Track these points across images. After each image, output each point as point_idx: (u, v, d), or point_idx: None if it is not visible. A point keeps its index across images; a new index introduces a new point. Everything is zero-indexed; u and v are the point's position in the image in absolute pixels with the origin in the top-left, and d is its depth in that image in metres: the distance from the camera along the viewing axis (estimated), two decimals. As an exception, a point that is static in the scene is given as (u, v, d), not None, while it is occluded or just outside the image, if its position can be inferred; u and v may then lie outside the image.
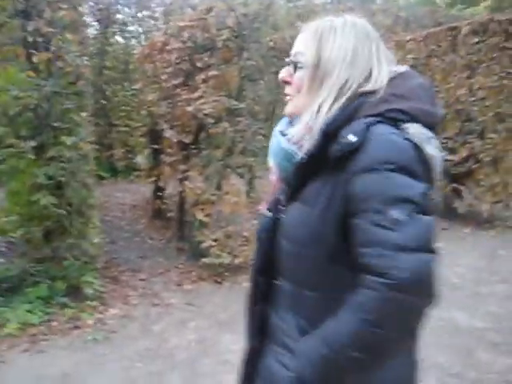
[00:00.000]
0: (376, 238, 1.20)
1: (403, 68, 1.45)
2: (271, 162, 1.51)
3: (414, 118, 1.31)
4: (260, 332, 1.57)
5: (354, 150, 1.25)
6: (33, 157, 4.60)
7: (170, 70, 6.11)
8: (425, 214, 1.22)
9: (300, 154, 1.37)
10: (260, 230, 1.56)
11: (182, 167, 5.80)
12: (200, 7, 6.40)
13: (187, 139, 5.79)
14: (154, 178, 7.15)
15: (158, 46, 6.48)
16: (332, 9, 12.14)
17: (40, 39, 4.52)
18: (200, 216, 5.06)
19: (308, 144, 1.34)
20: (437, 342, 4.02)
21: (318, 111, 1.35)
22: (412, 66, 6.94)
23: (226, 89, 5.21)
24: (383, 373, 1.32)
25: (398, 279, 1.15)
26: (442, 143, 7.38)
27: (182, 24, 5.77)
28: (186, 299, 4.86)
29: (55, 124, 4.67)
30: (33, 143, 4.55)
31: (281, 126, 1.51)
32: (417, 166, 1.26)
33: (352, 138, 1.25)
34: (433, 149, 1.31)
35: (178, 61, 5.91)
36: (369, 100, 1.34)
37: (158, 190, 7.39)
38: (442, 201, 8.00)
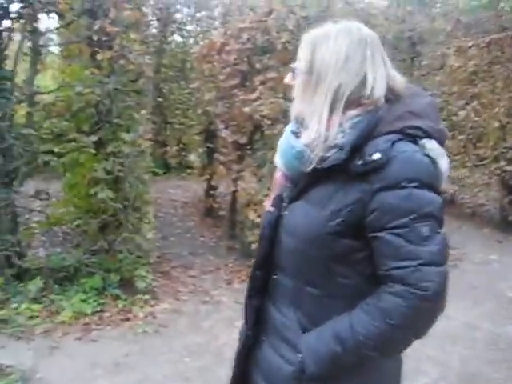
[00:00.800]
0: (405, 252, 1.30)
1: (408, 85, 1.51)
2: (279, 159, 1.56)
3: (428, 135, 1.39)
4: (256, 324, 1.63)
5: (379, 166, 1.33)
6: (93, 151, 4.72)
7: (227, 70, 6.17)
8: (442, 226, 1.35)
9: (312, 157, 1.41)
10: (263, 226, 1.60)
11: (236, 167, 5.84)
12: (259, 9, 6.42)
13: (242, 139, 5.83)
14: (206, 177, 7.22)
15: (216, 46, 6.54)
16: (390, 12, 11.96)
17: (104, 38, 4.64)
18: (252, 216, 5.09)
19: (324, 152, 1.39)
20: (491, 356, 3.94)
21: (320, 121, 1.41)
22: (473, 73, 6.81)
23: (284, 91, 5.22)
24: (380, 367, 1.46)
25: (428, 290, 1.28)
26: (503, 153, 7.21)
27: (241, 25, 5.82)
28: (235, 298, 4.90)
29: (115, 120, 4.79)
30: (93, 138, 4.67)
31: (291, 125, 1.56)
32: (436, 180, 1.37)
33: (378, 155, 1.32)
34: (445, 164, 1.41)
35: (236, 62, 5.96)
36: (386, 115, 1.40)
37: (211, 188, 7.46)
38: (498, 212, 7.79)
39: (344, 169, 1.37)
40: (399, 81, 1.49)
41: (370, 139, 1.36)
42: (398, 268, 1.31)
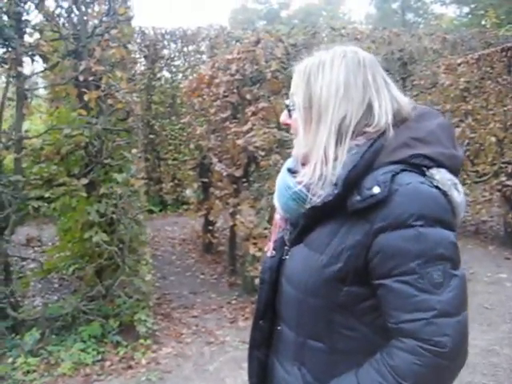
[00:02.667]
0: (416, 302, 1.15)
1: (418, 106, 1.36)
2: (276, 201, 1.43)
3: (438, 163, 1.23)
4: (261, 378, 1.51)
5: (379, 202, 1.17)
6: (84, 194, 4.60)
7: (218, 103, 6.11)
8: (458, 267, 1.19)
9: (310, 197, 1.29)
10: (263, 271, 1.48)
11: (233, 201, 5.73)
12: (246, 40, 6.38)
13: (237, 172, 5.73)
14: (203, 212, 7.10)
15: (205, 79, 6.50)
16: (376, 35, 12.04)
17: (91, 78, 4.55)
18: (253, 250, 4.94)
19: (322, 191, 1.26)
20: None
21: (326, 154, 1.28)
22: (465, 90, 6.77)
23: (276, 120, 5.13)
24: None
25: (443, 346, 1.12)
26: (502, 168, 7.12)
27: (229, 57, 5.76)
28: (241, 337, 4.72)
29: (106, 161, 4.69)
30: (84, 181, 4.55)
31: (289, 163, 1.44)
32: (448, 214, 1.20)
33: (376, 190, 1.18)
34: (459, 196, 1.24)
35: (226, 94, 5.90)
36: (387, 144, 1.25)
37: (208, 223, 7.32)
38: (503, 228, 7.66)
39: (342, 207, 1.23)
40: (404, 102, 1.34)
41: (370, 172, 1.23)
42: (409, 321, 1.15)
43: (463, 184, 7.51)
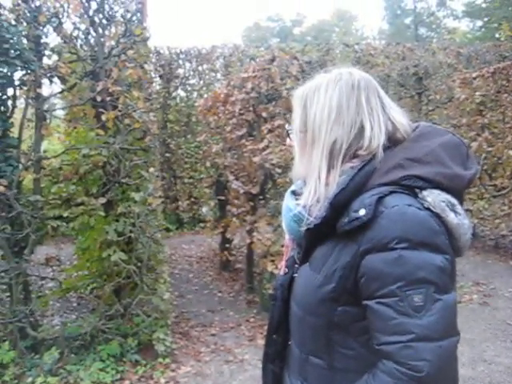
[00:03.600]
0: (394, 324, 1.15)
1: (421, 124, 1.36)
2: (283, 222, 1.48)
3: (433, 184, 1.22)
4: None
5: (365, 223, 1.18)
6: (103, 213, 4.63)
7: (233, 121, 6.14)
8: (444, 291, 1.16)
9: (309, 219, 1.33)
10: (275, 288, 1.52)
11: (250, 218, 5.72)
12: (261, 58, 6.43)
13: (254, 190, 5.73)
14: (220, 230, 7.09)
15: (221, 97, 6.54)
16: (390, 50, 12.06)
17: (108, 98, 4.60)
18: (270, 268, 4.92)
19: (317, 212, 1.30)
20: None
21: (320, 177, 1.32)
22: (481, 103, 6.75)
23: (292, 137, 5.14)
24: None
25: (419, 371, 1.11)
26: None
27: (245, 75, 5.80)
28: (259, 355, 4.63)
29: (124, 180, 4.72)
30: (102, 200, 4.58)
31: (295, 186, 1.50)
32: (437, 237, 1.18)
33: (362, 212, 1.19)
34: (457, 217, 1.21)
35: (241, 111, 5.93)
36: (381, 165, 1.26)
37: (225, 241, 7.32)
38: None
39: (336, 230, 1.26)
40: (402, 123, 1.33)
41: (361, 194, 1.24)
42: (388, 343, 1.16)
43: (481, 198, 7.46)
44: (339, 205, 1.24)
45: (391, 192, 1.21)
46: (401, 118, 1.34)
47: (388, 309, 1.15)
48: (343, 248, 1.24)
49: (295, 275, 1.43)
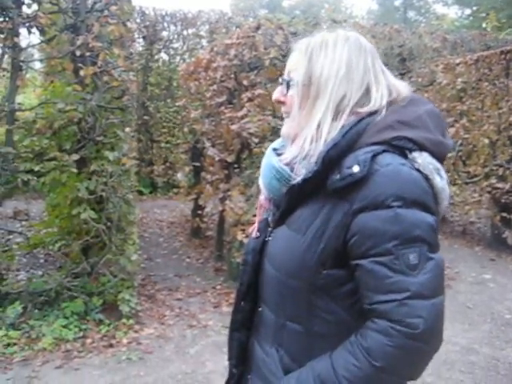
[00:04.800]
0: (390, 283, 1.14)
1: (410, 92, 1.35)
2: (261, 180, 1.42)
3: (421, 148, 1.22)
4: (240, 360, 1.50)
5: (359, 181, 1.16)
6: (75, 170, 4.57)
7: (214, 87, 6.07)
8: (435, 250, 1.18)
9: (293, 176, 1.29)
10: (246, 252, 1.47)
11: (224, 186, 5.71)
12: (246, 26, 6.34)
13: (230, 158, 5.70)
14: (193, 196, 7.07)
15: (203, 63, 6.46)
16: (377, 30, 12.00)
17: (88, 53, 4.51)
18: (240, 237, 4.93)
19: (304, 168, 1.26)
20: (491, 383, 3.79)
21: (318, 132, 1.27)
22: (462, 90, 6.77)
23: (272, 108, 5.11)
24: None
25: (416, 328, 1.12)
26: (493, 170, 7.15)
27: (228, 42, 5.72)
28: (223, 322, 4.72)
29: (98, 138, 4.65)
30: (75, 157, 4.52)
31: (276, 144, 1.45)
32: (427, 197, 1.20)
33: (356, 169, 1.17)
34: (442, 181, 1.23)
35: (223, 78, 5.87)
36: (372, 125, 1.25)
37: (198, 208, 7.31)
38: (490, 230, 7.71)
39: (323, 187, 1.22)
40: (403, 88, 1.34)
41: (352, 151, 1.22)
42: (382, 302, 1.15)
43: (453, 184, 7.54)
44: (331, 160, 1.21)
45: (384, 151, 1.20)
46: (401, 83, 1.36)
47: (383, 267, 1.14)
48: (333, 207, 1.21)
49: (268, 238, 1.39)
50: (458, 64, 7.94)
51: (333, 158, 1.21)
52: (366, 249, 1.16)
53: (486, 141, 7.32)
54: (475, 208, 7.66)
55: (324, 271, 1.23)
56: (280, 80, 1.40)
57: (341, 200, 1.20)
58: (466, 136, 7.53)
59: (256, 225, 1.49)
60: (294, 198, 1.29)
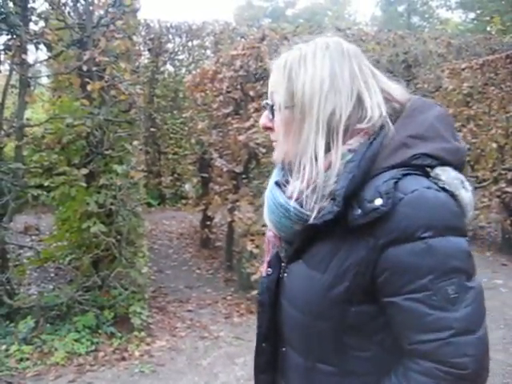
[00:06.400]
0: (430, 321, 1.04)
1: (409, 96, 1.23)
2: (267, 218, 1.28)
3: (441, 161, 1.12)
4: None
5: (384, 214, 1.06)
6: (84, 184, 4.59)
7: (220, 98, 6.10)
8: (473, 277, 1.07)
9: (304, 212, 1.17)
10: (261, 293, 1.36)
11: (232, 197, 5.72)
12: (251, 36, 6.37)
13: (237, 168, 5.71)
14: (202, 207, 7.09)
15: (209, 74, 6.49)
16: (381, 37, 12.03)
17: (94, 68, 4.54)
18: (250, 247, 4.93)
19: (317, 204, 1.14)
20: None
21: (315, 158, 1.15)
22: (468, 95, 6.76)
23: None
24: None
25: (463, 368, 1.02)
26: (502, 174, 7.12)
27: (234, 53, 5.75)
28: (235, 333, 4.73)
29: (107, 152, 4.68)
30: (84, 171, 4.54)
31: (276, 175, 1.30)
32: (459, 220, 1.09)
33: (379, 202, 1.05)
34: (467, 194, 1.13)
35: (229, 89, 5.89)
36: (384, 145, 1.13)
37: (206, 218, 7.32)
38: (500, 235, 7.67)
39: (342, 221, 1.11)
40: (396, 93, 1.22)
41: (368, 180, 1.10)
42: (424, 342, 1.05)
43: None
44: (350, 196, 1.09)
45: (404, 175, 1.09)
46: (394, 87, 1.24)
47: (420, 305, 1.04)
48: (355, 242, 1.11)
49: (284, 275, 1.29)
50: (463, 69, 7.94)
51: (351, 193, 1.10)
52: (400, 286, 1.07)
53: (494, 145, 7.30)
54: (485, 213, 7.61)
55: (352, 309, 1.14)
56: (263, 104, 1.29)
57: (363, 235, 1.09)
58: (474, 141, 7.51)
59: (266, 262, 1.39)
60: (311, 234, 1.18)
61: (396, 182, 1.07)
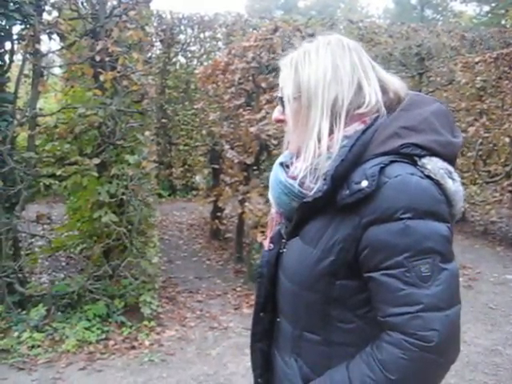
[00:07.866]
0: (403, 296, 1.14)
1: (407, 91, 1.33)
2: (270, 195, 1.41)
3: (430, 152, 1.20)
4: (265, 370, 1.51)
5: (368, 195, 1.16)
6: (96, 174, 4.62)
7: (232, 90, 6.09)
8: (449, 260, 1.17)
9: (302, 191, 1.29)
10: (262, 265, 1.46)
11: (243, 188, 5.72)
12: (264, 28, 6.36)
13: (248, 160, 5.71)
14: (212, 198, 7.10)
15: (221, 65, 6.48)
16: (394, 30, 11.95)
17: (107, 58, 4.56)
18: (260, 238, 4.93)
19: (313, 183, 1.26)
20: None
21: (319, 141, 1.26)
22: (481, 89, 6.72)
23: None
24: None
25: (429, 341, 1.11)
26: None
27: (246, 44, 5.74)
28: (244, 323, 4.74)
29: (119, 142, 4.70)
30: (96, 161, 4.56)
31: (283, 157, 1.42)
32: (439, 206, 1.18)
33: (364, 183, 1.16)
34: (455, 184, 1.21)
35: (241, 81, 5.88)
36: (377, 134, 1.23)
37: (217, 210, 7.33)
38: (511, 230, 7.63)
39: (333, 201, 1.22)
40: (394, 85, 1.33)
41: (360, 164, 1.21)
42: (395, 315, 1.14)
43: (474, 183, 7.48)
44: (340, 177, 1.21)
45: (391, 161, 1.19)
46: (393, 80, 1.34)
47: (395, 280, 1.14)
48: (342, 220, 1.21)
49: (283, 250, 1.39)
50: (477, 62, 7.88)
51: (341, 175, 1.21)
52: (378, 262, 1.16)
53: (507, 139, 7.25)
54: (496, 207, 7.58)
55: (337, 282, 1.23)
56: (277, 98, 1.40)
57: (350, 214, 1.20)
58: (486, 135, 7.47)
59: (268, 237, 1.49)
60: (305, 213, 1.29)
61: (383, 168, 1.18)
